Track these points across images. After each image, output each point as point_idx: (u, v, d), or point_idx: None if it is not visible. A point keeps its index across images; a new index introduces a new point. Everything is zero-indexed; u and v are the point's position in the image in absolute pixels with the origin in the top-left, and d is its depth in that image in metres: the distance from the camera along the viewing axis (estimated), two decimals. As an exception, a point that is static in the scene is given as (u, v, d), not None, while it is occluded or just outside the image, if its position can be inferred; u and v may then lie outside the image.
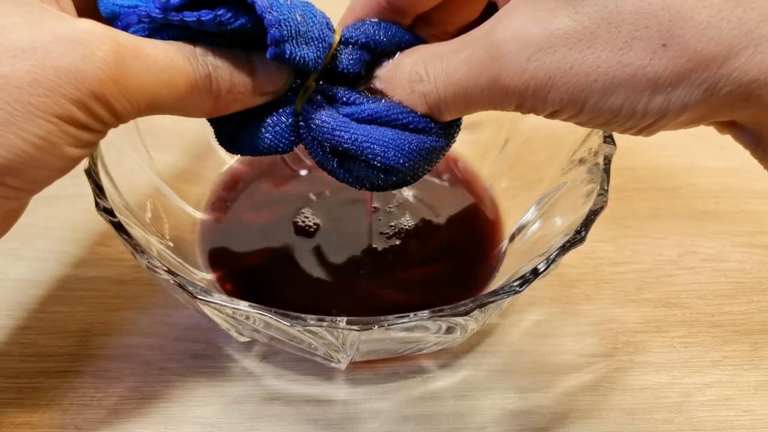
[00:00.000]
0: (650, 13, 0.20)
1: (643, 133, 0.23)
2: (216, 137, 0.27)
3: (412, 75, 0.24)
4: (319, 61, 0.24)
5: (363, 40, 0.25)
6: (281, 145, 0.26)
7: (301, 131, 0.26)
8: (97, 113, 0.21)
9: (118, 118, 0.22)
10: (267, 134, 0.25)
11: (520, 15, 0.22)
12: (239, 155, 0.26)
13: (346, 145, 0.24)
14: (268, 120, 0.25)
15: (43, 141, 0.20)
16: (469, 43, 0.23)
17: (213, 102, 0.24)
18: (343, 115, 0.25)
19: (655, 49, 0.20)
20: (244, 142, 0.26)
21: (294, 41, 0.23)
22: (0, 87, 0.19)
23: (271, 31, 0.22)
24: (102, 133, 0.23)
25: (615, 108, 0.21)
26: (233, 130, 0.26)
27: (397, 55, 0.26)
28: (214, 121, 0.26)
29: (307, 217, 0.36)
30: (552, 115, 0.23)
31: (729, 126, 0.23)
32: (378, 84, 0.26)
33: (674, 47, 0.20)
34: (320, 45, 0.24)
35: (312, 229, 0.35)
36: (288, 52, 0.23)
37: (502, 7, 0.23)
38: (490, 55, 0.22)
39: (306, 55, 0.23)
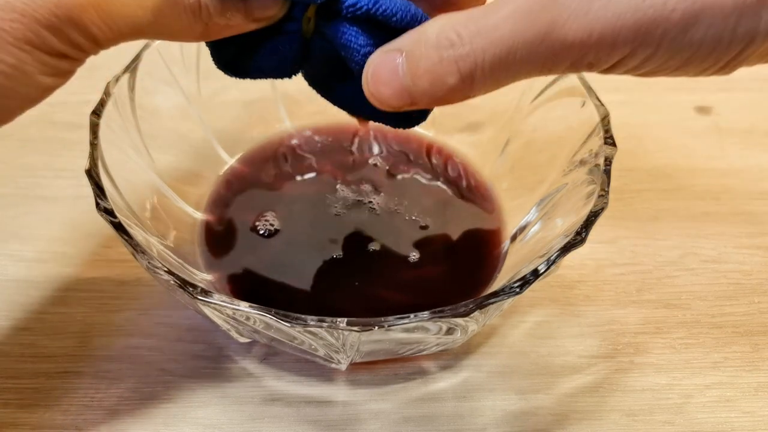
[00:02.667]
0: None
1: (723, 71, 0.21)
2: (213, 59, 0.25)
3: (440, 41, 0.21)
4: None
5: None
6: (283, 70, 0.24)
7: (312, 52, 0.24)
8: (75, 40, 0.20)
9: (98, 44, 0.21)
10: (269, 58, 0.24)
11: None
12: (236, 78, 0.25)
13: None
14: (270, 45, 0.24)
15: (14, 70, 0.19)
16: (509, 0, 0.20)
17: (202, 27, 0.22)
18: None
19: None
20: (243, 65, 0.24)
21: None
22: None
23: None
24: (80, 61, 0.21)
25: (697, 40, 0.19)
26: (233, 54, 0.24)
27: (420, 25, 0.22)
28: (211, 44, 0.25)
29: (306, 217, 0.36)
30: (618, 65, 0.20)
31: None
32: (395, 57, 0.22)
33: None
34: None
35: (312, 229, 0.35)
36: None
37: None
38: (542, 4, 0.19)
39: None
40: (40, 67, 0.20)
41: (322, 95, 0.26)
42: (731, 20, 0.19)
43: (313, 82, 0.26)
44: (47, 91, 0.21)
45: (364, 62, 0.22)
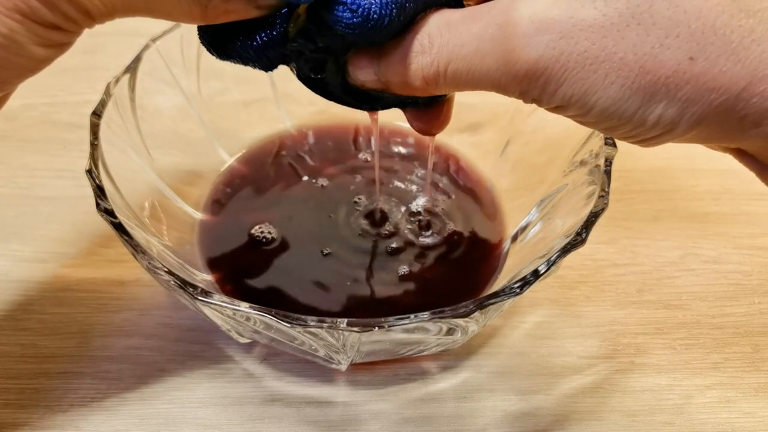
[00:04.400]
0: (683, 22, 0.19)
1: (643, 144, 0.22)
2: (199, 36, 0.25)
3: (414, 45, 0.22)
4: None
5: None
6: (265, 60, 0.24)
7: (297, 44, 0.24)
8: (67, 13, 0.20)
9: (91, 18, 0.21)
10: (252, 47, 0.24)
11: None
12: (219, 59, 0.25)
13: None
14: (255, 34, 0.24)
15: (5, 39, 0.19)
16: (484, 16, 0.21)
17: (200, 10, 0.22)
18: None
19: (681, 60, 0.19)
20: (226, 49, 0.24)
21: None
22: None
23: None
24: (74, 33, 0.21)
25: (626, 114, 0.20)
26: (218, 35, 0.24)
27: None
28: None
29: (306, 217, 0.36)
30: (555, 110, 0.22)
31: (733, 151, 0.23)
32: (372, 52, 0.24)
33: (701, 62, 0.19)
34: None
35: (312, 229, 0.35)
36: None
37: None
38: (504, 35, 0.20)
39: None
40: (33, 38, 0.20)
41: (322, 96, 0.26)
42: (659, 107, 0.20)
43: (308, 83, 0.26)
44: (42, 62, 0.21)
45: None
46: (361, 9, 0.22)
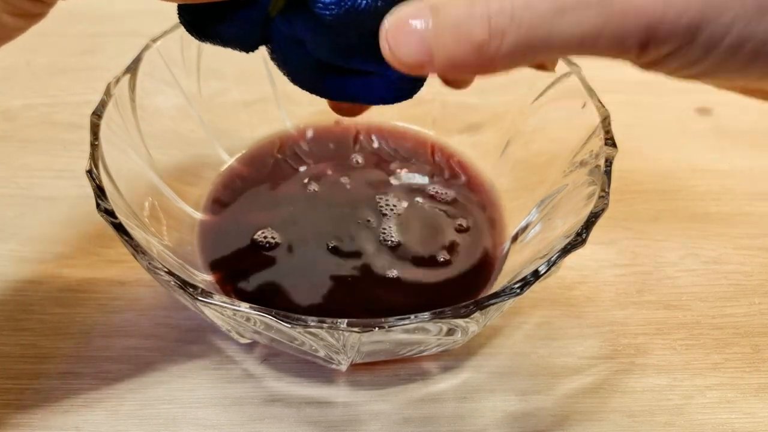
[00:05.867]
0: None
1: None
2: (178, 16, 0.24)
3: None
4: None
5: None
6: (246, 41, 0.24)
7: (278, 32, 0.23)
8: None
9: None
10: (234, 28, 0.23)
11: None
12: (199, 40, 0.24)
13: None
14: (238, 14, 0.23)
15: None
16: None
17: None
18: None
19: None
20: (206, 29, 0.24)
21: None
22: None
23: None
24: (48, 5, 0.21)
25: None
26: (198, 15, 0.23)
27: None
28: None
29: (306, 218, 0.36)
30: (673, 54, 0.18)
31: None
32: (423, 10, 0.19)
33: None
34: None
35: (312, 229, 0.35)
36: None
37: None
38: None
39: None
40: (4, 6, 0.20)
41: (305, 88, 0.26)
42: None
43: (295, 75, 0.25)
44: (15, 30, 0.21)
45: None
46: None
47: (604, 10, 0.17)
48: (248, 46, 0.24)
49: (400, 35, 0.19)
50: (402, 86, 0.25)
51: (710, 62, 0.18)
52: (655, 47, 0.17)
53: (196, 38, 0.24)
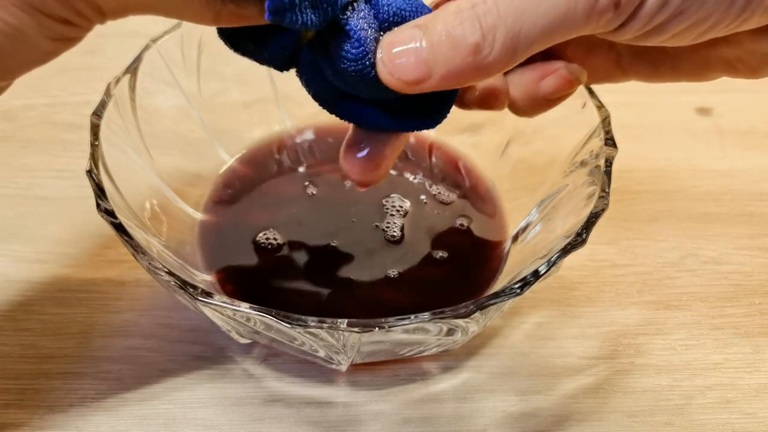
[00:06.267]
0: None
1: (737, 20, 0.20)
2: (217, 30, 0.25)
3: (462, 4, 0.20)
4: (324, 23, 0.22)
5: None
6: (277, 62, 0.24)
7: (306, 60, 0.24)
8: (77, 8, 0.20)
9: (102, 14, 0.21)
10: (266, 51, 0.24)
11: None
12: (235, 52, 0.25)
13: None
14: (270, 39, 0.24)
15: (14, 30, 0.19)
16: None
17: (213, 15, 0.21)
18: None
19: None
20: (242, 47, 0.24)
21: (296, 8, 0.21)
22: None
23: (268, 2, 0.20)
24: (84, 29, 0.21)
25: None
26: (236, 36, 0.24)
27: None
28: None
29: (306, 218, 0.36)
30: (636, 12, 0.20)
31: None
32: (416, 33, 0.21)
33: None
34: (329, 9, 0.21)
35: (313, 230, 0.35)
36: (288, 20, 0.21)
37: None
38: None
39: (309, 20, 0.21)
40: (42, 30, 0.20)
41: (325, 108, 0.26)
42: None
43: (316, 97, 0.26)
44: (50, 54, 0.21)
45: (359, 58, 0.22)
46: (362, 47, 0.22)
47: None
48: (279, 66, 0.25)
49: (397, 57, 0.21)
50: (421, 111, 0.25)
51: (674, 9, 0.19)
52: (625, 3, 0.19)
53: (233, 51, 0.25)
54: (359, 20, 0.22)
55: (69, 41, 0.21)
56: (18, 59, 0.21)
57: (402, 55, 0.21)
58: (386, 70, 0.21)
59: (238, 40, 0.24)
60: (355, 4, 0.22)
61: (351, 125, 0.27)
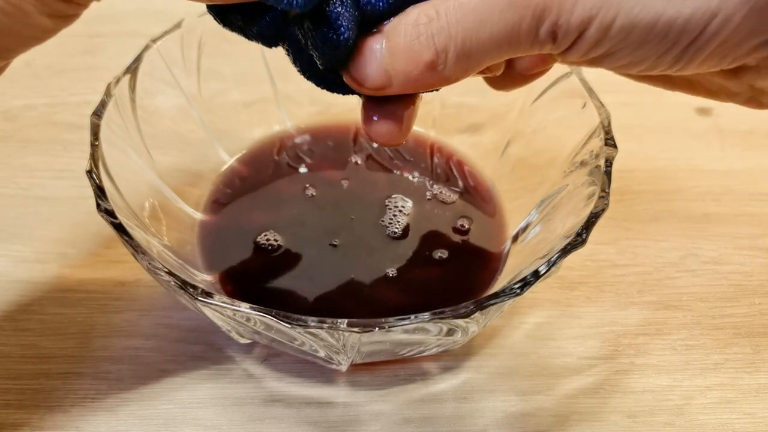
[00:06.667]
0: None
1: (678, 64, 0.21)
2: (207, 6, 0.25)
3: (420, 18, 0.21)
4: (309, 6, 0.22)
5: None
6: (265, 38, 0.25)
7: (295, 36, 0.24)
8: None
9: None
10: (256, 24, 0.24)
11: None
12: (224, 28, 0.25)
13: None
14: (261, 14, 0.24)
15: (13, 8, 0.20)
16: None
17: None
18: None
19: None
20: (232, 22, 0.25)
21: None
22: None
23: None
24: (82, 6, 0.22)
25: (654, 14, 0.19)
26: (227, 9, 0.24)
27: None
28: None
29: (307, 218, 0.36)
30: (576, 44, 0.20)
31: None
32: (378, 39, 0.22)
33: None
34: None
35: (312, 230, 0.35)
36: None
37: None
38: None
39: (294, 2, 0.21)
40: (41, 8, 0.20)
41: (314, 83, 0.26)
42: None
43: (304, 73, 0.26)
44: (48, 32, 0.21)
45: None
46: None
47: (516, 10, 0.20)
48: (267, 42, 0.25)
49: (359, 66, 0.23)
50: None
51: (609, 46, 0.20)
52: (563, 36, 0.20)
53: (221, 26, 0.25)
54: (342, 10, 0.22)
55: (67, 18, 0.21)
56: (17, 38, 0.21)
57: (364, 61, 0.22)
58: (349, 77, 0.23)
59: (227, 14, 0.24)
60: None
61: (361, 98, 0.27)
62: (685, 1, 0.19)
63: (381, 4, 0.23)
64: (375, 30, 0.23)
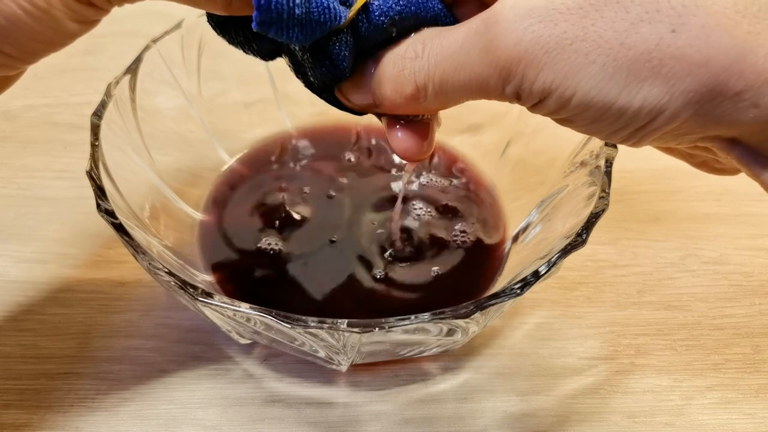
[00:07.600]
0: None
1: (631, 140, 0.22)
2: (207, 16, 0.25)
3: (407, 52, 0.23)
4: (308, 42, 0.23)
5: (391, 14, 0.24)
6: (262, 52, 0.25)
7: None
8: None
9: None
10: (256, 41, 0.25)
11: None
12: (222, 38, 0.26)
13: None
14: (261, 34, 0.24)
15: (43, 13, 0.20)
16: (473, 18, 0.22)
17: (224, 4, 0.22)
18: None
19: (663, 34, 0.19)
20: (231, 36, 0.25)
21: (284, 24, 0.21)
22: None
23: (256, 13, 0.21)
24: (105, 11, 0.22)
25: (609, 97, 0.20)
26: (224, 24, 0.25)
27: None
28: None
29: (306, 218, 0.36)
30: (538, 105, 0.21)
31: (724, 144, 0.22)
32: (370, 65, 0.24)
33: (685, 35, 0.19)
34: (318, 29, 0.22)
35: (312, 230, 0.35)
36: (273, 33, 0.22)
37: None
38: (487, 26, 0.21)
39: (294, 37, 0.22)
40: (68, 13, 0.21)
41: (315, 94, 0.27)
42: (644, 87, 0.19)
43: (306, 85, 0.26)
44: (72, 36, 0.22)
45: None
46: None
47: (486, 68, 0.21)
48: (264, 57, 0.26)
49: (351, 86, 0.25)
50: None
51: (568, 115, 0.21)
52: (526, 98, 0.21)
53: (221, 37, 0.25)
54: (341, 49, 0.23)
55: (90, 23, 0.22)
56: (45, 42, 0.22)
57: (355, 83, 0.25)
58: (341, 94, 0.25)
59: (227, 27, 0.25)
60: (340, 34, 0.23)
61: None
62: (637, 93, 0.20)
63: (379, 37, 0.24)
64: (370, 56, 0.24)
